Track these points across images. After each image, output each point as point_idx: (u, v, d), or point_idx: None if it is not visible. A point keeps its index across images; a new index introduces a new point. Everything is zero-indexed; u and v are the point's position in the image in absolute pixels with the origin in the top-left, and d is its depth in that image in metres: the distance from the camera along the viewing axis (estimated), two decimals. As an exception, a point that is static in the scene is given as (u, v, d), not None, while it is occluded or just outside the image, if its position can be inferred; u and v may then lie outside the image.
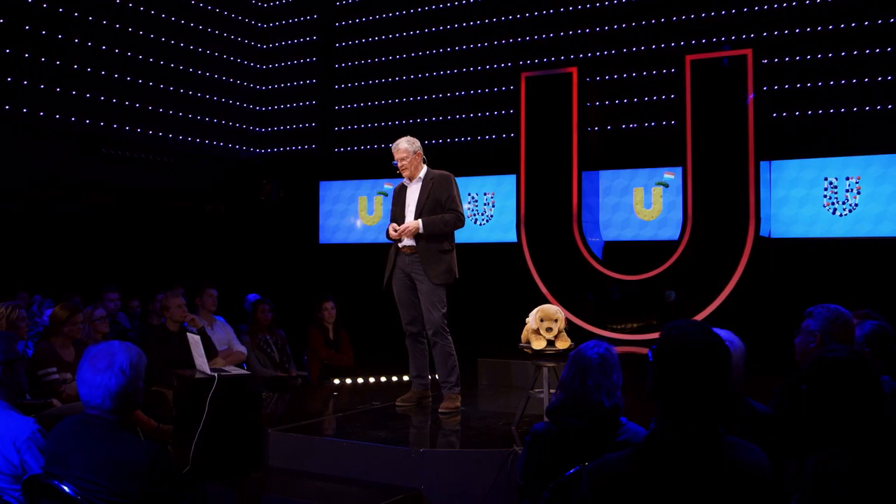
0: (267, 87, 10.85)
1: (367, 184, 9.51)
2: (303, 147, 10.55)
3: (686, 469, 1.94)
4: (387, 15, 10.04)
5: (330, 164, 10.08)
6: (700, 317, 6.82)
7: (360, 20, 10.21)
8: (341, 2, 10.38)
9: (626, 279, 7.36)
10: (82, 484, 2.63)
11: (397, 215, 5.36)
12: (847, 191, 7.02)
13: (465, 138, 9.39)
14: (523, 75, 7.90)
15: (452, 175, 5.35)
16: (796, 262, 7.29)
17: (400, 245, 5.29)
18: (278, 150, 10.75)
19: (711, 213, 7.01)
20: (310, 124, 10.55)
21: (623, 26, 8.52)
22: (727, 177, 6.95)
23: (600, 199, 7.95)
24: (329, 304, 7.19)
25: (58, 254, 8.34)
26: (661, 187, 7.69)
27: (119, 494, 2.61)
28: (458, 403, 5.29)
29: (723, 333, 2.88)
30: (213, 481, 4.29)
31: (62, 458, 2.70)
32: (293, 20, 10.73)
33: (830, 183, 7.09)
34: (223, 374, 4.65)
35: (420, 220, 5.17)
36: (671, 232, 7.51)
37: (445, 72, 9.59)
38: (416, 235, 5.19)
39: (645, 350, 2.12)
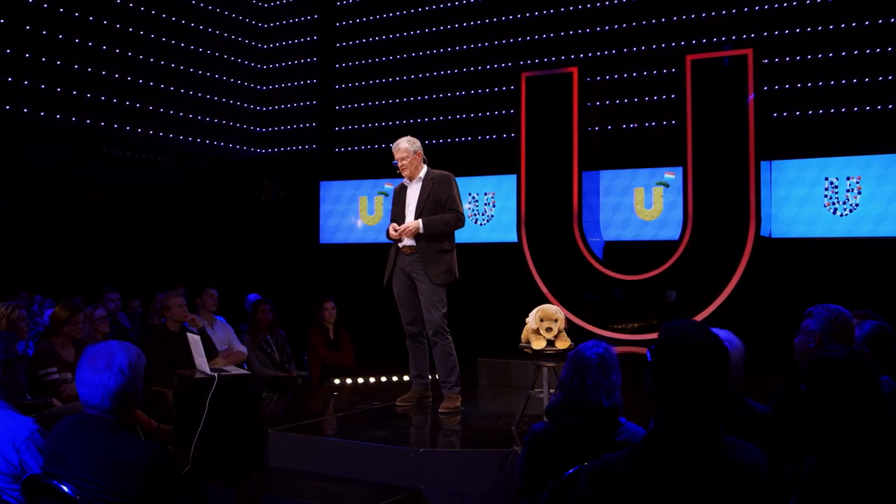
0: (267, 87, 10.85)
1: (367, 184, 9.51)
2: (303, 147, 10.56)
3: (685, 469, 1.94)
4: (387, 15, 10.04)
5: (330, 164, 10.08)
6: (701, 317, 6.82)
7: (361, 20, 10.21)
8: (342, 2, 10.38)
9: (627, 279, 7.36)
10: (81, 484, 2.62)
11: (397, 215, 5.36)
12: (848, 191, 7.02)
13: (466, 138, 9.39)
14: (524, 75, 7.90)
15: (453, 175, 5.35)
16: (797, 262, 7.28)
17: (400, 245, 5.29)
18: (279, 150, 10.75)
19: (712, 213, 7.01)
20: (310, 124, 10.55)
21: (623, 26, 8.52)
22: (728, 177, 6.95)
23: (601, 199, 7.95)
24: (329, 304, 7.19)
25: (58, 254, 8.34)
26: (662, 187, 7.69)
27: (118, 494, 2.60)
28: (458, 403, 5.30)
29: (722, 333, 2.88)
30: (213, 481, 4.29)
31: (61, 457, 2.70)
32: (294, 20, 10.73)
33: (831, 183, 7.08)
34: (223, 374, 4.65)
35: (420, 220, 5.17)
36: (672, 232, 7.50)
37: (446, 72, 9.59)
38: (417, 235, 5.19)
39: (645, 350, 2.12)
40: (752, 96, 6.84)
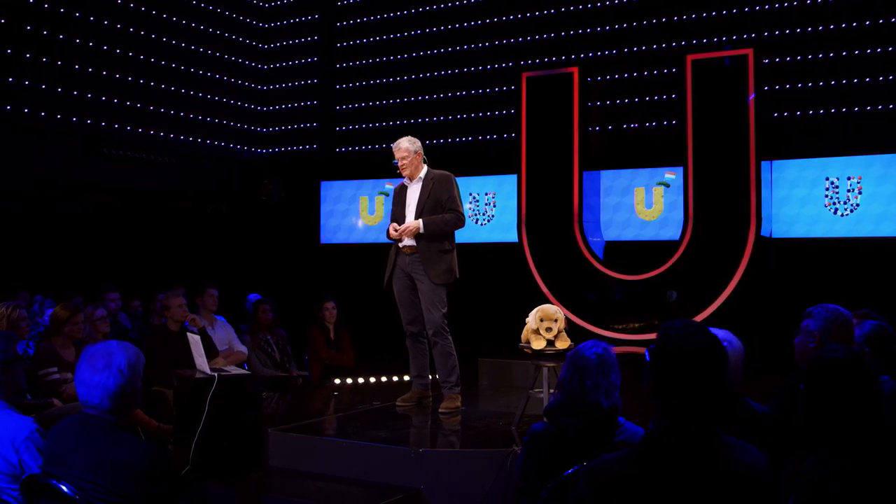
0: (268, 87, 10.85)
1: (368, 184, 9.51)
2: (304, 147, 10.56)
3: (684, 469, 1.94)
4: (387, 15, 10.04)
5: (331, 163, 10.08)
6: (701, 317, 6.82)
7: (361, 20, 10.21)
8: (342, 2, 10.38)
9: (628, 279, 7.36)
10: (81, 484, 2.62)
11: (398, 215, 5.36)
12: (848, 191, 7.01)
13: (466, 138, 9.39)
14: (524, 75, 7.89)
15: (453, 175, 5.35)
16: (797, 262, 7.28)
17: (400, 245, 5.29)
18: (279, 150, 10.75)
19: (712, 213, 7.01)
20: (311, 124, 10.55)
21: (624, 26, 8.52)
22: (728, 177, 6.94)
23: (601, 199, 7.95)
24: (330, 304, 7.20)
25: (59, 254, 8.34)
26: (663, 187, 7.68)
27: (118, 494, 2.60)
28: (458, 403, 5.29)
29: (721, 333, 2.88)
30: (213, 481, 4.29)
31: (61, 457, 2.70)
32: (294, 20, 10.73)
33: (832, 183, 7.08)
34: (223, 373, 4.65)
35: (420, 220, 5.17)
36: (672, 232, 7.50)
37: (446, 72, 9.59)
38: (417, 235, 5.18)
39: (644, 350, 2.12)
40: (752, 96, 6.84)
